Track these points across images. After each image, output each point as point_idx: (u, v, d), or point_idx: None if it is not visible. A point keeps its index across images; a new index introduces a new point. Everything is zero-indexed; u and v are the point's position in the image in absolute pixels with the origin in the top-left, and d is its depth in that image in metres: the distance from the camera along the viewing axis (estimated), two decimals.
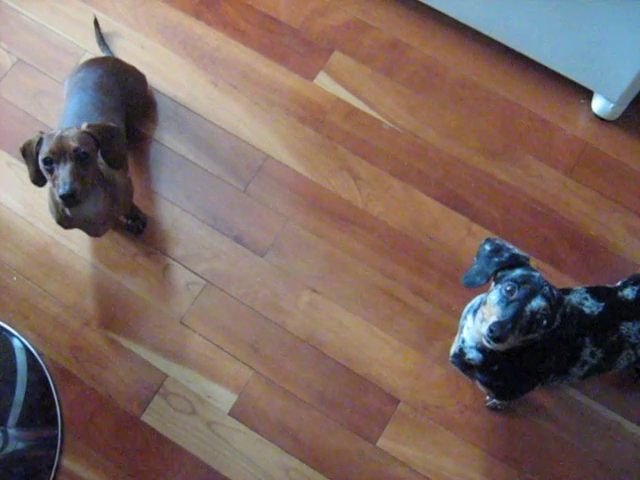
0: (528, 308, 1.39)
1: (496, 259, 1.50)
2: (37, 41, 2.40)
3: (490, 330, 1.38)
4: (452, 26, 2.37)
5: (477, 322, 1.51)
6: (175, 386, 2.01)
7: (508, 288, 1.41)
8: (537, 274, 1.44)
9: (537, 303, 1.40)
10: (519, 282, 1.41)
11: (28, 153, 1.72)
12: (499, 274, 1.48)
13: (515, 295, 1.41)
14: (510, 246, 1.53)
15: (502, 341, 1.38)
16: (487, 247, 1.53)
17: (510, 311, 1.39)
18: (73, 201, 1.66)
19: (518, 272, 1.45)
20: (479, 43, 2.37)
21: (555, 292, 1.43)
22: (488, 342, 1.40)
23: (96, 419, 1.99)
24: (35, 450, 2.02)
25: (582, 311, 1.62)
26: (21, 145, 1.73)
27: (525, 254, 1.52)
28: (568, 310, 1.46)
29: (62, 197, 1.64)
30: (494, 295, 1.44)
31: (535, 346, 1.49)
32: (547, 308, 1.40)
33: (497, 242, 1.54)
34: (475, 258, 1.56)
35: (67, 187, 1.63)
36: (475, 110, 2.31)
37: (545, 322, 1.40)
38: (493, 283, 1.50)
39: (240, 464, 1.95)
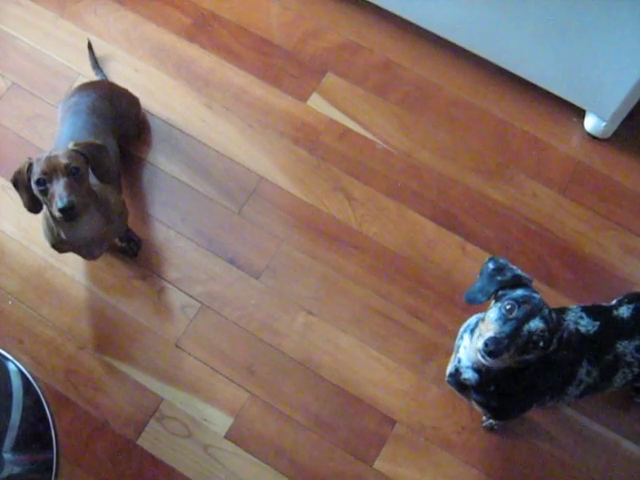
0: (526, 328, 1.39)
1: (498, 278, 1.50)
2: (31, 65, 2.41)
3: (485, 344, 1.38)
4: (444, 46, 2.38)
5: (474, 339, 1.51)
6: (171, 409, 2.00)
7: (508, 307, 1.41)
8: (538, 296, 1.44)
9: (535, 324, 1.39)
10: (519, 302, 1.41)
11: (20, 181, 1.73)
12: (500, 293, 1.48)
13: (514, 314, 1.41)
14: (513, 266, 1.53)
15: (496, 356, 1.38)
16: (490, 265, 1.54)
17: (507, 328, 1.39)
18: (73, 213, 1.66)
19: (519, 292, 1.45)
20: (471, 63, 2.38)
21: (554, 316, 1.43)
22: (483, 357, 1.40)
23: (92, 443, 1.98)
24: (31, 474, 2.00)
25: (578, 331, 1.62)
26: (11, 176, 1.73)
27: (528, 275, 1.52)
28: (566, 335, 1.45)
29: (62, 210, 1.64)
30: (493, 312, 1.44)
31: (531, 367, 1.48)
32: (545, 330, 1.40)
33: (501, 261, 1.54)
34: (478, 276, 1.56)
35: (65, 200, 1.64)
36: (468, 130, 2.32)
37: (541, 344, 1.40)
38: (493, 301, 1.50)
39: None
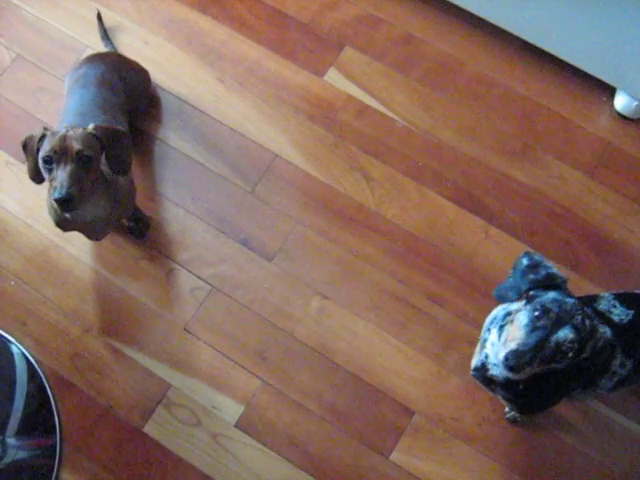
0: (554, 338, 1.33)
1: (531, 276, 1.44)
2: (37, 37, 2.34)
3: (506, 358, 1.34)
4: (468, 20, 2.31)
5: (501, 340, 1.44)
6: (179, 396, 1.96)
7: (536, 313, 1.35)
8: (571, 300, 1.37)
9: (564, 334, 1.32)
10: (550, 308, 1.35)
11: (29, 148, 1.67)
12: (531, 293, 1.42)
13: (542, 322, 1.34)
14: (549, 264, 1.46)
15: (517, 371, 1.33)
16: (524, 261, 1.48)
17: (532, 339, 1.33)
18: (69, 207, 1.59)
19: (551, 295, 1.38)
20: (496, 38, 2.31)
21: (588, 323, 1.35)
22: (504, 369, 1.36)
23: (96, 430, 1.94)
24: (35, 460, 1.96)
25: (611, 319, 1.55)
26: (23, 138, 1.67)
27: (562, 275, 1.45)
28: (600, 344, 1.39)
29: (57, 201, 1.58)
30: (522, 316, 1.38)
31: (562, 370, 1.41)
32: (574, 341, 1.33)
33: (535, 258, 1.47)
34: (510, 270, 1.50)
35: (63, 191, 1.57)
36: (492, 108, 2.24)
37: (571, 355, 1.33)
38: (524, 301, 1.43)
39: (246, 478, 1.88)
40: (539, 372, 1.40)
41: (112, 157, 1.71)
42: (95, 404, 1.95)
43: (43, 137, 1.63)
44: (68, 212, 1.63)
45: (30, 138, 1.66)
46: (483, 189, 2.14)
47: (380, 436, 1.91)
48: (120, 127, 1.78)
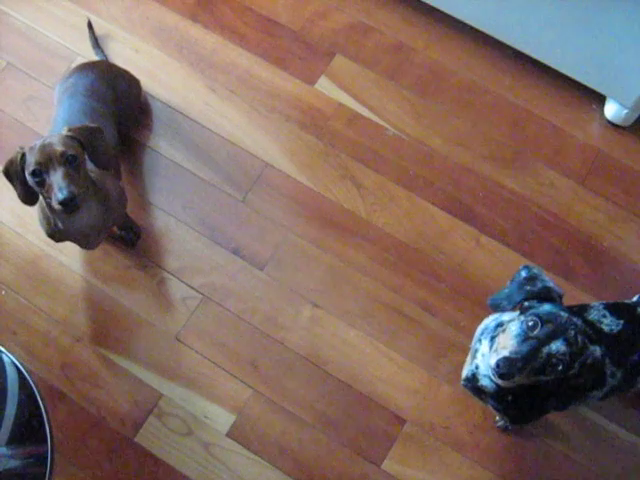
0: (546, 350, 1.32)
1: (527, 287, 1.43)
2: (27, 45, 2.32)
3: (497, 365, 1.33)
4: (458, 28, 2.30)
5: (491, 351, 1.44)
6: (170, 406, 1.94)
7: (530, 323, 1.34)
8: (566, 315, 1.36)
9: (557, 346, 1.32)
10: (544, 319, 1.34)
11: (12, 172, 1.65)
12: (526, 304, 1.41)
13: (535, 332, 1.33)
14: (546, 278, 1.46)
15: (508, 379, 1.32)
16: (523, 273, 1.47)
17: (525, 348, 1.32)
18: (74, 206, 1.59)
19: (546, 308, 1.37)
20: (487, 46, 2.30)
21: (580, 339, 1.35)
22: (494, 376, 1.34)
23: (88, 440, 1.92)
24: (26, 469, 1.95)
25: (601, 329, 1.55)
26: (2, 167, 1.65)
27: (559, 289, 1.45)
28: (589, 362, 1.38)
29: (62, 203, 1.57)
30: (514, 326, 1.37)
31: (551, 382, 1.41)
32: (566, 354, 1.32)
33: (534, 271, 1.47)
34: (508, 282, 1.50)
35: (65, 192, 1.56)
36: (483, 116, 2.24)
37: (560, 368, 1.33)
38: (518, 312, 1.43)
39: None
40: (527, 384, 1.40)
41: (93, 153, 1.70)
42: (86, 414, 1.94)
43: (23, 156, 1.62)
44: (73, 212, 1.62)
45: (10, 163, 1.64)
46: (474, 197, 2.14)
47: (372, 445, 1.91)
48: (92, 124, 1.77)
